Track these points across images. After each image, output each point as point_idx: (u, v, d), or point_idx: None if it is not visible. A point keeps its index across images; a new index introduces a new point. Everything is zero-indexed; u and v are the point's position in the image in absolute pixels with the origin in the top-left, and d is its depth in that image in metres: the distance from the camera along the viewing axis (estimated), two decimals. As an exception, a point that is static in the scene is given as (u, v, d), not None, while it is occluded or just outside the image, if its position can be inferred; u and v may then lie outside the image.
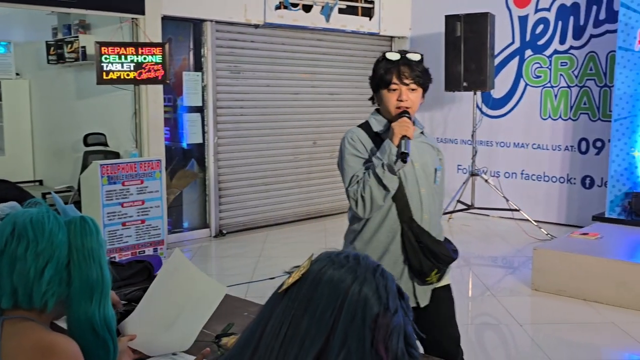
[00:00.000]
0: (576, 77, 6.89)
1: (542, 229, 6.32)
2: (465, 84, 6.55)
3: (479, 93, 6.94)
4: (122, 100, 6.09)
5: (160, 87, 5.94)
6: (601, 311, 4.37)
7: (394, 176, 2.29)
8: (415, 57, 2.39)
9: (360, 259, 1.00)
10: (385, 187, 2.29)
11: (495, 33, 6.65)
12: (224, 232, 6.69)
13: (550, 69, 7.08)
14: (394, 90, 2.37)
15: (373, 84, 2.48)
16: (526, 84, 7.27)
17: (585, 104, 6.85)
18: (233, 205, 6.89)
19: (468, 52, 6.51)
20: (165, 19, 6.06)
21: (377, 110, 2.52)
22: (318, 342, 0.91)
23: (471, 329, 4.31)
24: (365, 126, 2.50)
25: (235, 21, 6.63)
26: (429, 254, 2.39)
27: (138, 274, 2.36)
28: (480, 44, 6.46)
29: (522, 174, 7.36)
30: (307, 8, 7.20)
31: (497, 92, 7.37)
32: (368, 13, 7.87)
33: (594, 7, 6.73)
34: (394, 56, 2.40)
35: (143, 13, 5.77)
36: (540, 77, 7.16)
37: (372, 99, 2.54)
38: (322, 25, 7.36)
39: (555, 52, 7.02)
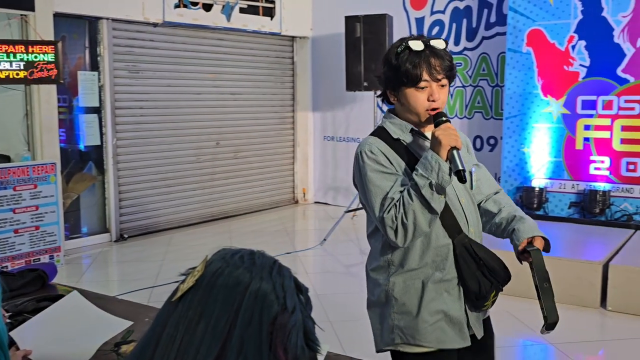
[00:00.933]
0: (470, 77, 7.18)
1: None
2: (365, 83, 6.67)
3: (379, 92, 7.08)
4: (12, 101, 5.78)
5: (53, 87, 5.68)
6: (498, 301, 4.57)
7: (442, 197, 1.89)
8: (441, 44, 1.95)
9: (255, 258, 0.96)
10: (432, 211, 1.88)
11: (393, 34, 6.81)
12: (125, 236, 6.50)
13: (446, 70, 7.33)
14: (423, 88, 1.91)
15: (392, 80, 1.99)
16: (424, 84, 7.49)
17: (479, 103, 7.15)
18: (134, 209, 6.70)
19: (368, 53, 6.63)
20: (58, 16, 5.81)
21: (391, 112, 2.12)
22: (214, 349, 0.89)
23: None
24: (381, 133, 2.07)
25: (133, 19, 6.45)
26: (487, 272, 1.99)
27: (30, 284, 2.24)
28: (379, 45, 6.59)
29: (421, 171, 7.58)
30: (207, 7, 7.11)
31: (397, 91, 7.55)
32: (269, 13, 7.87)
33: (485, 10, 7.04)
34: (418, 45, 1.91)
35: (33, 9, 5.50)
36: (436, 77, 7.40)
37: (383, 97, 2.13)
38: (223, 25, 7.29)
39: (451, 52, 7.27)
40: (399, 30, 7.23)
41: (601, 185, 5.83)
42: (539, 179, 6.16)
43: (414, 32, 7.50)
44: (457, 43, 7.23)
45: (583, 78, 5.88)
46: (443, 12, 7.31)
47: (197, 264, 0.97)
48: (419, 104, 1.93)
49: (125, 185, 6.60)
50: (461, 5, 7.18)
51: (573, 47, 5.92)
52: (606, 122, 5.80)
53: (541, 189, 6.09)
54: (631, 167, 5.72)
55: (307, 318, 0.97)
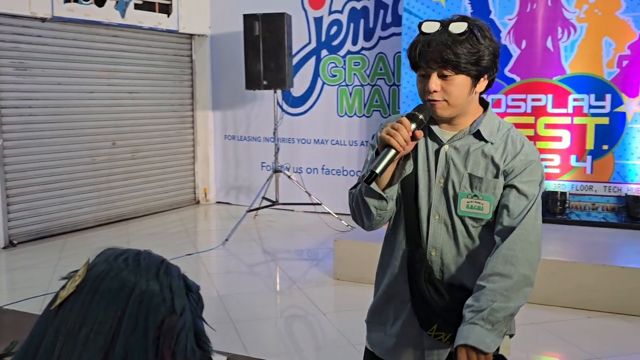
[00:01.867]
0: (368, 76, 7.31)
1: (342, 221, 6.62)
2: (265, 82, 6.65)
3: (279, 91, 7.09)
4: None
5: None
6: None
7: (373, 198, 1.72)
8: (456, 28, 1.65)
9: (141, 259, 0.90)
10: (365, 205, 1.75)
11: (292, 33, 6.83)
12: (15, 242, 6.15)
13: (344, 69, 7.44)
14: (423, 76, 1.71)
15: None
16: (323, 83, 7.57)
17: (377, 101, 7.30)
18: (24, 213, 6.36)
19: (267, 52, 6.61)
20: None
21: None
22: (96, 359, 0.83)
23: (280, 322, 4.41)
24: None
25: (19, 14, 6.11)
26: (434, 301, 1.77)
27: None
28: (278, 44, 6.60)
29: (322, 169, 7.66)
30: (99, 2, 6.84)
31: (297, 90, 7.59)
32: (166, 10, 7.68)
33: (382, 11, 7.19)
34: (429, 27, 1.69)
35: None
36: (336, 76, 7.50)
37: None
38: (118, 21, 7.05)
39: (349, 52, 7.40)
40: (298, 29, 7.27)
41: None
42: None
43: (313, 31, 7.55)
44: (355, 43, 7.34)
45: (474, 77, 6.14)
46: (341, 12, 7.41)
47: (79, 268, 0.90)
48: (420, 91, 1.75)
49: (14, 189, 6.25)
50: (358, 6, 7.30)
51: (464, 47, 6.16)
52: (495, 119, 6.08)
53: (437, 185, 6.29)
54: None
55: (197, 318, 0.93)
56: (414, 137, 1.66)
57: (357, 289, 4.82)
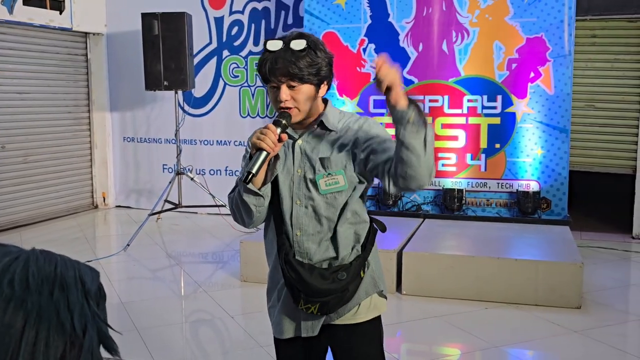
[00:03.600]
0: (270, 77, 7.32)
1: (247, 222, 6.61)
2: (166, 83, 6.52)
3: (180, 92, 6.97)
4: None
5: None
6: (303, 294, 4.74)
7: (253, 194, 1.98)
8: (298, 44, 1.92)
9: (29, 280, 0.73)
10: (244, 204, 2.01)
11: (193, 33, 6.74)
12: None
13: (246, 69, 7.42)
14: (273, 87, 1.98)
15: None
16: (225, 84, 7.52)
17: (279, 102, 7.32)
18: None
19: (167, 51, 6.49)
20: None
21: None
22: None
23: (186, 327, 4.34)
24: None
25: None
26: (292, 278, 2.04)
27: None
28: (178, 43, 6.49)
29: (226, 170, 7.60)
30: (-15, -2, 6.48)
31: (198, 91, 7.50)
32: (58, 7, 7.36)
33: (283, 12, 7.23)
34: (273, 45, 1.95)
35: None
36: (238, 76, 7.46)
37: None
38: (5, 18, 6.69)
39: (250, 52, 7.38)
40: (199, 29, 7.18)
41: (393, 179, 6.27)
42: (337, 174, 6.46)
43: (214, 31, 7.48)
44: (256, 43, 7.34)
45: (374, 79, 6.27)
46: (242, 12, 7.38)
47: None
48: (272, 101, 2.02)
49: None
50: (259, 7, 7.30)
51: (364, 49, 6.30)
52: (395, 120, 6.25)
53: (340, 184, 6.40)
54: (418, 161, 6.22)
55: (102, 323, 0.82)
56: (280, 140, 1.94)
57: (264, 290, 4.80)
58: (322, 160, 2.04)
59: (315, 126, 2.07)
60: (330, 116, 2.08)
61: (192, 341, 4.11)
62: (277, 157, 2.00)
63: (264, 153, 1.89)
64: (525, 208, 5.85)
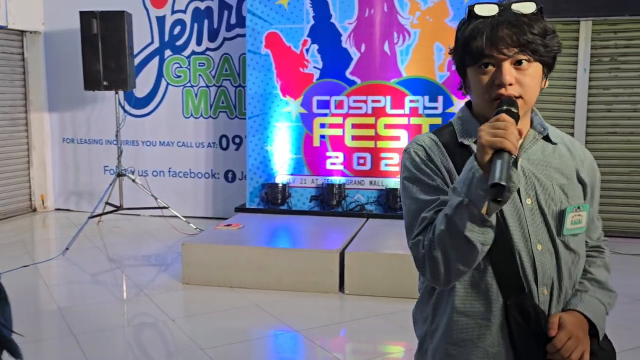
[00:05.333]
0: (213, 77, 7.27)
1: (191, 224, 6.54)
2: (105, 83, 6.40)
3: (121, 92, 6.85)
4: None
5: None
6: (246, 295, 4.71)
7: (484, 227, 1.32)
8: (526, 7, 1.38)
9: None
10: (469, 243, 1.32)
11: (133, 32, 6.62)
12: None
13: (189, 69, 7.34)
14: (487, 66, 1.39)
15: (457, 58, 1.48)
16: (168, 84, 7.42)
17: (223, 102, 7.28)
18: None
19: (107, 51, 6.36)
20: None
21: (468, 105, 1.57)
22: None
23: (128, 331, 4.26)
24: (445, 132, 1.55)
25: None
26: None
27: None
28: (118, 43, 6.37)
29: (169, 171, 7.50)
30: None
31: (140, 91, 7.38)
32: (-8, 4, 7.14)
33: (226, 12, 7.17)
34: (487, 9, 1.40)
35: None
36: (180, 76, 7.38)
37: (462, 86, 1.55)
38: None
39: (193, 52, 7.31)
40: (140, 28, 7.07)
41: (337, 179, 6.31)
42: (282, 175, 6.46)
43: (155, 31, 7.38)
44: (199, 43, 7.27)
45: (317, 79, 6.30)
46: (184, 11, 7.30)
47: None
48: (480, 88, 1.42)
49: None
50: (202, 6, 7.23)
51: (307, 50, 6.31)
52: (339, 120, 6.29)
53: (284, 185, 6.40)
54: (361, 161, 6.28)
55: (2, 329, 0.81)
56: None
57: (206, 292, 4.80)
58: (562, 187, 1.48)
59: (539, 135, 1.51)
60: (545, 122, 1.54)
61: (133, 346, 4.04)
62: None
63: (506, 156, 1.26)
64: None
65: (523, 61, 1.38)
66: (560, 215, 1.46)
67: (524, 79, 1.39)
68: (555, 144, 1.54)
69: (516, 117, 1.33)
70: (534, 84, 1.42)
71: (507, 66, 1.38)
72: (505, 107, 1.34)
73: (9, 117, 7.58)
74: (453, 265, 1.36)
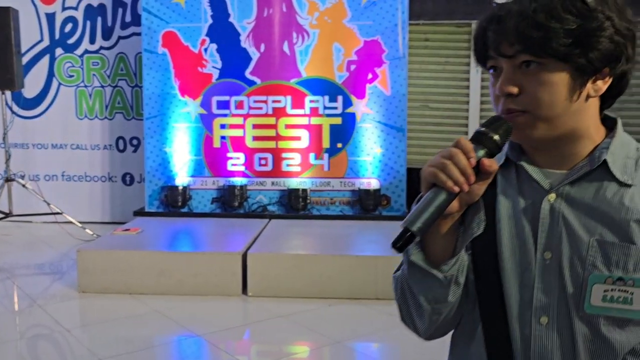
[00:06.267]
0: (109, 77, 7.06)
1: (87, 230, 6.32)
2: (-9, 83, 6.08)
3: (8, 93, 6.52)
4: None
5: None
6: (146, 302, 4.61)
7: (422, 274, 1.08)
8: None
9: None
10: (413, 295, 1.11)
11: (20, 29, 6.32)
12: None
13: (82, 69, 7.09)
14: (495, 70, 1.08)
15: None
16: (59, 83, 7.13)
17: (119, 103, 7.08)
18: None
19: (-9, 49, 6.05)
20: None
21: None
22: None
23: (21, 344, 4.08)
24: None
25: None
26: None
27: None
28: (5, 41, 6.05)
29: (62, 175, 7.22)
30: None
31: (29, 91, 7.05)
32: None
33: (120, 10, 6.98)
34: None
35: None
36: (73, 76, 7.11)
37: None
38: None
39: (87, 51, 7.06)
40: (28, 25, 6.77)
41: (238, 180, 6.30)
42: (182, 177, 6.37)
43: (45, 28, 7.07)
44: (92, 42, 7.04)
45: (216, 79, 6.26)
46: (76, 8, 7.04)
47: None
48: (493, 101, 1.10)
49: None
50: (95, 3, 6.99)
51: (205, 49, 6.25)
52: (239, 121, 6.27)
53: (184, 187, 6.32)
54: (263, 162, 6.29)
55: None
56: (480, 170, 1.00)
57: (104, 300, 4.67)
58: (605, 246, 1.03)
59: (589, 167, 1.06)
60: (622, 151, 1.07)
61: (28, 359, 3.87)
62: (476, 205, 1.07)
63: (443, 195, 0.98)
64: (366, 205, 6.11)
65: (532, 63, 1.01)
66: (585, 284, 1.03)
67: (532, 86, 1.02)
68: (629, 185, 1.04)
69: (490, 143, 1.01)
70: (551, 95, 1.01)
71: (505, 70, 1.04)
72: (478, 130, 1.04)
73: None
74: (407, 316, 1.16)
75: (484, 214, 1.09)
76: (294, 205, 6.19)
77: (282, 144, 6.23)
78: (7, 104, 6.61)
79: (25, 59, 6.81)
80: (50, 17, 7.07)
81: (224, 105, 6.27)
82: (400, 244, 0.97)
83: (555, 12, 0.97)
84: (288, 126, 6.24)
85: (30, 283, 5.20)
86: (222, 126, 6.29)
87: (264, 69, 6.23)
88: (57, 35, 7.09)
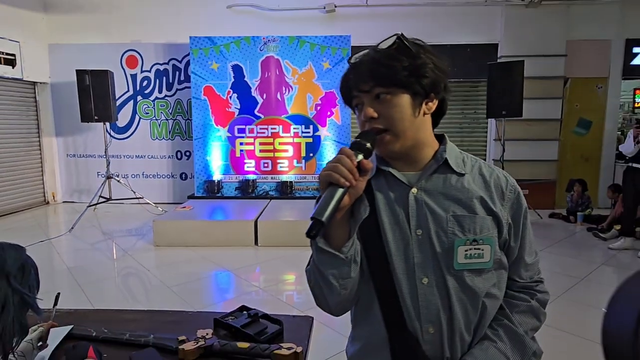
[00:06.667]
0: (170, 113, 6.88)
1: (159, 208, 6.18)
2: (96, 117, 5.87)
3: (107, 123, 6.31)
4: None
5: None
6: (196, 250, 4.53)
7: (328, 256, 0.88)
8: (386, 43, 0.90)
9: None
10: (323, 275, 0.89)
11: (115, 83, 6.13)
12: None
13: (154, 108, 6.90)
14: (358, 107, 0.94)
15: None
16: (140, 118, 6.93)
17: (177, 130, 6.91)
18: None
19: (96, 96, 5.83)
20: None
21: None
22: None
23: (118, 280, 3.95)
24: None
25: None
26: None
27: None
28: (104, 91, 5.87)
29: (143, 174, 7.03)
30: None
31: (121, 122, 6.85)
32: (10, 62, 6.31)
33: (177, 72, 6.81)
34: (355, 57, 0.93)
35: None
36: (148, 113, 6.91)
37: None
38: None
39: (157, 98, 6.87)
40: (119, 81, 6.56)
41: (251, 176, 6.20)
42: (217, 174, 6.26)
43: (130, 84, 6.86)
44: (160, 92, 6.85)
45: (237, 115, 6.15)
46: (149, 71, 6.84)
47: None
48: (360, 127, 0.94)
49: None
50: (161, 68, 6.81)
51: (230, 97, 6.14)
52: (251, 140, 6.18)
53: (219, 181, 6.21)
54: (265, 165, 6.20)
55: (25, 295, 0.66)
56: (361, 169, 0.86)
57: (169, 251, 4.56)
58: (457, 218, 0.90)
59: (436, 164, 0.94)
60: (453, 153, 0.96)
61: (122, 289, 3.75)
62: (360, 198, 0.89)
63: (339, 190, 0.83)
64: (328, 190, 6.04)
65: (381, 94, 0.89)
66: (451, 248, 0.89)
67: (386, 111, 0.89)
68: (462, 174, 0.94)
69: (364, 149, 0.87)
70: (400, 115, 0.89)
71: (367, 101, 0.90)
72: (354, 140, 0.90)
73: (26, 141, 6.76)
74: (321, 298, 0.93)
75: (367, 202, 0.91)
76: (285, 191, 6.12)
77: (277, 154, 6.15)
78: (107, 130, 6.40)
79: (118, 102, 6.59)
80: (134, 77, 6.86)
81: (242, 131, 6.16)
82: (314, 232, 0.79)
83: (393, 57, 0.88)
84: (281, 143, 6.17)
85: (124, 241, 5.05)
86: (241, 143, 6.19)
87: (266, 109, 6.14)
88: (138, 88, 6.88)
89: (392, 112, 0.89)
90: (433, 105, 0.93)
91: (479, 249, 0.89)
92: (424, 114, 0.92)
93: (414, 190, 0.93)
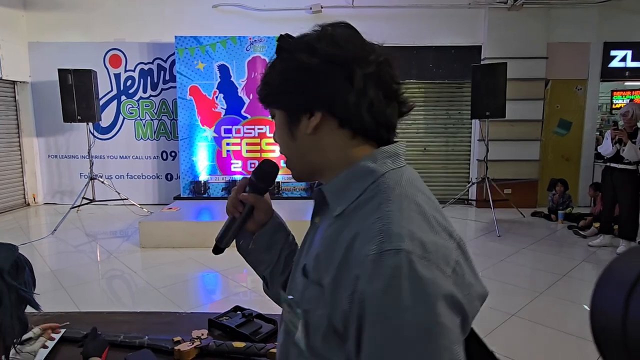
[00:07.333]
0: (156, 114, 6.81)
1: (144, 209, 6.11)
2: (79, 117, 5.77)
3: (90, 124, 6.21)
4: None
5: None
6: (183, 252, 4.48)
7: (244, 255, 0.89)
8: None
9: None
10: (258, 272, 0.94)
11: (98, 83, 6.03)
12: None
13: (138, 109, 6.81)
14: None
15: None
16: (124, 118, 6.84)
17: (163, 130, 6.84)
18: None
19: (79, 96, 5.73)
20: None
21: None
22: None
23: (102, 282, 3.89)
24: None
25: None
26: None
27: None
28: (88, 90, 5.77)
29: (127, 175, 6.94)
30: None
31: (104, 122, 6.74)
32: (-11, 62, 6.16)
33: (162, 71, 6.74)
34: None
35: None
36: (132, 113, 6.83)
37: None
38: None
39: (141, 98, 6.79)
40: (102, 81, 6.46)
41: (237, 177, 6.18)
42: (203, 175, 6.22)
43: (114, 84, 6.76)
44: (145, 91, 6.77)
45: (223, 115, 6.12)
46: (134, 70, 6.75)
47: None
48: None
49: None
50: (145, 67, 6.73)
51: (217, 97, 6.11)
52: (238, 140, 6.16)
53: (205, 182, 6.17)
54: (252, 165, 6.17)
55: (19, 290, 0.65)
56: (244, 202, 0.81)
57: (155, 252, 4.51)
58: (304, 268, 0.70)
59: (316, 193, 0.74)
60: (345, 182, 0.71)
61: (107, 291, 3.70)
62: (251, 209, 0.86)
63: (235, 219, 0.88)
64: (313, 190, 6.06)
65: (272, 116, 0.76)
66: (288, 307, 0.72)
67: (276, 131, 0.75)
68: (338, 215, 0.69)
69: (251, 183, 0.83)
70: (279, 138, 0.74)
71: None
72: (251, 177, 0.86)
73: (5, 141, 6.60)
74: (265, 288, 0.97)
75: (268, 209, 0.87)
76: (272, 191, 6.12)
77: (264, 154, 6.15)
78: (90, 131, 6.29)
79: (101, 102, 6.49)
80: (117, 77, 6.76)
81: (228, 131, 6.14)
82: (217, 253, 0.90)
83: (270, 65, 0.73)
84: (267, 144, 6.16)
85: (108, 243, 4.97)
86: (228, 144, 6.16)
87: (252, 109, 6.13)
88: (122, 87, 6.78)
89: (276, 136, 0.74)
90: (315, 120, 0.67)
91: (290, 314, 0.71)
92: (312, 133, 0.68)
93: (317, 219, 0.73)
